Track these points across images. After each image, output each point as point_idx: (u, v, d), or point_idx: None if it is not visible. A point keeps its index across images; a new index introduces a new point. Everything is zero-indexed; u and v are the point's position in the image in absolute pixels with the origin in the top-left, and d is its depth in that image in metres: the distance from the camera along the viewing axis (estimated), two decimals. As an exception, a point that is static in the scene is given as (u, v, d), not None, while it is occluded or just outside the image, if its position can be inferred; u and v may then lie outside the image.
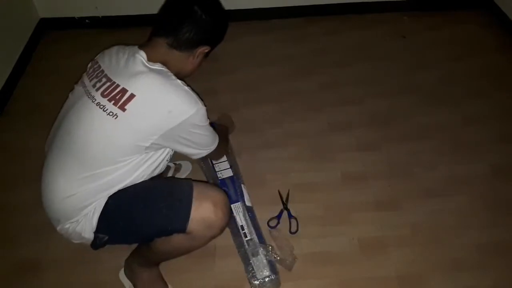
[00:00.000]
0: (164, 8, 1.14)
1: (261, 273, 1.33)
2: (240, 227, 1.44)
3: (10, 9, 2.10)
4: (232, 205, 1.48)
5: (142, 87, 1.02)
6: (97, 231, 1.10)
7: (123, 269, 1.35)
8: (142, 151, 1.07)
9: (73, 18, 2.39)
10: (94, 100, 1.04)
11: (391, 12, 2.47)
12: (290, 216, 1.51)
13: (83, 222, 1.08)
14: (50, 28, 2.39)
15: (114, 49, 1.14)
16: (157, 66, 1.06)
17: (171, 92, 1.04)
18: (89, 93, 1.06)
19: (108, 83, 1.05)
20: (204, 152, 1.20)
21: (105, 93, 1.03)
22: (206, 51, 1.15)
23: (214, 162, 1.63)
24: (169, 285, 1.33)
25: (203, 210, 1.08)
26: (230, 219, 1.20)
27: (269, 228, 1.49)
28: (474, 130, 1.81)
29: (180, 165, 1.66)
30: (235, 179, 1.58)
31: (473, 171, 1.66)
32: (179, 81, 1.07)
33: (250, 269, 1.34)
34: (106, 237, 1.12)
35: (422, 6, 2.48)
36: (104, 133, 1.03)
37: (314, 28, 2.40)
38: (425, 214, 1.52)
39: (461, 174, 1.64)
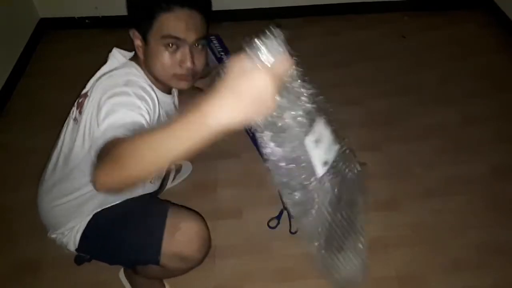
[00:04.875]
0: None
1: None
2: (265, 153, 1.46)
3: (10, 9, 2.10)
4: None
5: (95, 87, 0.93)
6: (78, 249, 1.09)
7: (122, 269, 1.35)
8: None
9: (73, 18, 2.39)
10: (72, 108, 1.02)
11: (391, 12, 2.47)
12: (290, 216, 1.51)
13: (68, 236, 1.08)
14: (50, 28, 2.39)
15: None
16: (126, 64, 0.97)
17: (108, 85, 0.90)
18: (76, 101, 1.04)
19: (85, 89, 1.01)
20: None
21: (78, 100, 1.00)
22: (136, 37, 0.95)
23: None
24: (167, 285, 1.33)
25: (175, 244, 1.00)
26: (210, 246, 1.07)
27: (269, 228, 1.49)
28: (474, 130, 1.81)
29: (180, 166, 1.65)
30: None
31: (473, 171, 1.66)
32: (130, 77, 0.92)
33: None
34: (88, 256, 1.14)
35: (422, 6, 2.48)
36: (70, 141, 0.99)
37: (314, 28, 2.40)
38: (425, 214, 1.52)
39: (461, 174, 1.64)
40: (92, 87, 0.96)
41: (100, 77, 0.95)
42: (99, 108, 0.85)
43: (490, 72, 2.10)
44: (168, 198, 1.46)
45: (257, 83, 0.49)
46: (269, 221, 1.51)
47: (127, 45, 1.09)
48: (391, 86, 2.04)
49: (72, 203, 1.05)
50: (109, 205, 1.06)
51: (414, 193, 1.59)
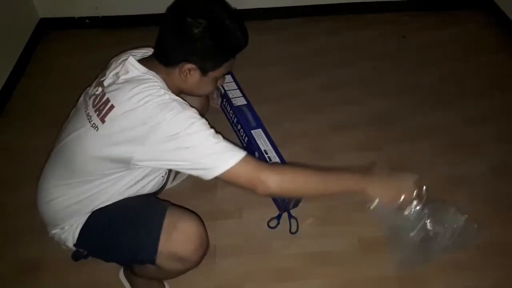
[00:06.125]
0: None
1: None
2: (263, 152, 1.52)
3: (10, 9, 2.10)
4: (252, 131, 1.60)
5: (121, 98, 0.95)
6: (76, 245, 1.10)
7: (122, 269, 1.35)
8: (127, 168, 0.99)
9: (73, 18, 2.39)
10: (86, 110, 1.01)
11: (391, 12, 2.47)
12: (290, 216, 1.51)
13: (68, 231, 1.09)
14: (50, 28, 2.39)
15: (123, 53, 1.09)
16: (149, 75, 0.98)
17: (147, 102, 0.93)
18: (87, 100, 1.04)
19: (100, 92, 1.01)
20: (214, 170, 0.96)
21: (94, 102, 1.00)
22: (191, 69, 0.99)
23: (226, 88, 1.73)
24: (167, 285, 1.33)
25: (172, 244, 0.99)
26: (208, 248, 1.08)
27: (269, 228, 1.49)
28: (474, 130, 1.81)
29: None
30: (251, 106, 1.70)
31: (473, 171, 1.65)
32: (163, 91, 0.95)
33: None
34: (85, 252, 1.13)
35: (422, 6, 2.48)
36: (86, 145, 0.99)
37: (314, 28, 2.40)
38: (425, 214, 1.52)
39: (461, 174, 1.64)
40: (117, 95, 0.96)
41: (132, 89, 0.95)
42: (175, 137, 0.91)
43: (490, 72, 2.10)
44: (168, 198, 1.46)
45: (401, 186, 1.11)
46: (269, 221, 1.51)
47: (126, 45, 1.09)
48: (391, 86, 2.04)
49: (73, 201, 1.05)
50: (109, 203, 1.07)
51: (414, 193, 1.59)
